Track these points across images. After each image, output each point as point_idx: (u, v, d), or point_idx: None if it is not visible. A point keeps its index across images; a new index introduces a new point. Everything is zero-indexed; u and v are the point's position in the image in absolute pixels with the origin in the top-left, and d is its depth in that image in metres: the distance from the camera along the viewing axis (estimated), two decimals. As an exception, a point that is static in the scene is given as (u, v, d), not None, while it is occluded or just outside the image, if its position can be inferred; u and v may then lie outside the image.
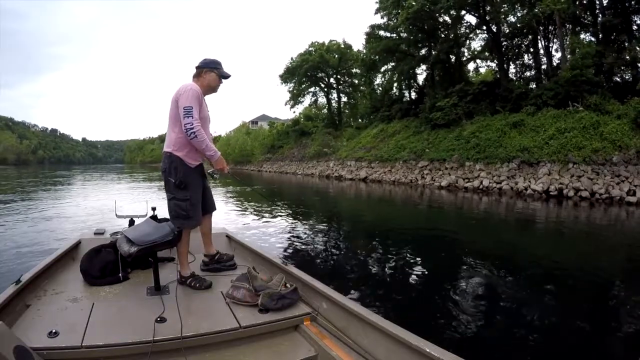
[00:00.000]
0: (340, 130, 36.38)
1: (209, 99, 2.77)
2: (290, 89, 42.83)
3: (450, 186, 17.41)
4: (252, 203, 12.87)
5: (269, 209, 11.46)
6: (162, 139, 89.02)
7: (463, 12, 22.57)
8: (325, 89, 43.03)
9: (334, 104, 42.97)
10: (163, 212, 2.90)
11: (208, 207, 2.85)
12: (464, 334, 3.26)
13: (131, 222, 3.30)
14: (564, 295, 4.43)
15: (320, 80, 42.52)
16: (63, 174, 40.73)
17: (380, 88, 31.47)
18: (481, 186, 16.08)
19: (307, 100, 44.79)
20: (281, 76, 42.37)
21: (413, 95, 29.99)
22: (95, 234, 3.63)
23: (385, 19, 26.59)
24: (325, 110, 44.59)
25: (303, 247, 6.61)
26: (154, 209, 3.20)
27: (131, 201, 12.04)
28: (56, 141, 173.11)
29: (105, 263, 2.61)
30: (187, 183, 2.53)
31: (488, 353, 3.07)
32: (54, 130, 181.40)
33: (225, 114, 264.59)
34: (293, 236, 7.50)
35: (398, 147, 23.64)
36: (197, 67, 2.68)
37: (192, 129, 2.39)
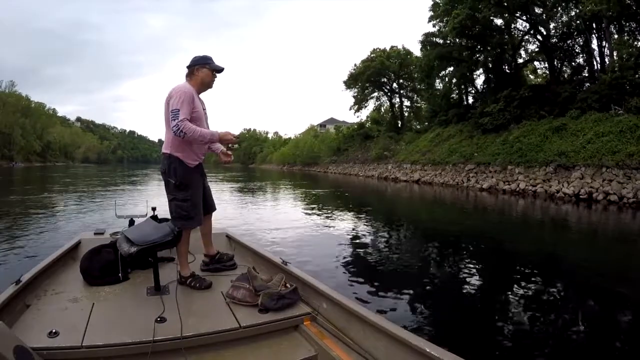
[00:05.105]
0: (401, 134, 37.34)
1: (206, 98, 2.76)
2: (355, 94, 44.92)
3: (490, 188, 18.23)
4: (253, 202, 13.86)
5: (270, 207, 12.19)
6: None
7: (513, 16, 22.73)
8: (389, 94, 44.19)
9: (396, 108, 44.06)
10: (163, 212, 2.91)
11: (208, 207, 2.87)
12: (472, 337, 3.24)
13: (131, 222, 3.32)
14: (590, 297, 4.36)
15: (383, 85, 43.80)
16: (140, 172, 42.55)
17: (438, 93, 32.20)
18: (518, 189, 16.73)
19: (371, 104, 46.42)
20: (345, 82, 44.63)
21: (470, 99, 30.26)
22: (95, 234, 3.60)
23: (437, 27, 27.58)
24: (389, 114, 45.85)
25: (309, 246, 6.46)
26: (154, 209, 3.24)
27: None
28: (134, 142, 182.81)
29: (105, 263, 2.62)
30: (187, 184, 2.56)
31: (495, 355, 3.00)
32: (132, 132, 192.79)
33: (295, 117, 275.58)
34: (299, 234, 7.41)
35: (450, 150, 24.49)
36: (188, 67, 2.66)
37: (178, 129, 2.38)
